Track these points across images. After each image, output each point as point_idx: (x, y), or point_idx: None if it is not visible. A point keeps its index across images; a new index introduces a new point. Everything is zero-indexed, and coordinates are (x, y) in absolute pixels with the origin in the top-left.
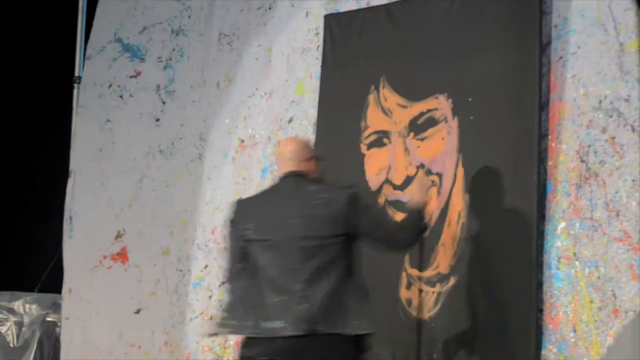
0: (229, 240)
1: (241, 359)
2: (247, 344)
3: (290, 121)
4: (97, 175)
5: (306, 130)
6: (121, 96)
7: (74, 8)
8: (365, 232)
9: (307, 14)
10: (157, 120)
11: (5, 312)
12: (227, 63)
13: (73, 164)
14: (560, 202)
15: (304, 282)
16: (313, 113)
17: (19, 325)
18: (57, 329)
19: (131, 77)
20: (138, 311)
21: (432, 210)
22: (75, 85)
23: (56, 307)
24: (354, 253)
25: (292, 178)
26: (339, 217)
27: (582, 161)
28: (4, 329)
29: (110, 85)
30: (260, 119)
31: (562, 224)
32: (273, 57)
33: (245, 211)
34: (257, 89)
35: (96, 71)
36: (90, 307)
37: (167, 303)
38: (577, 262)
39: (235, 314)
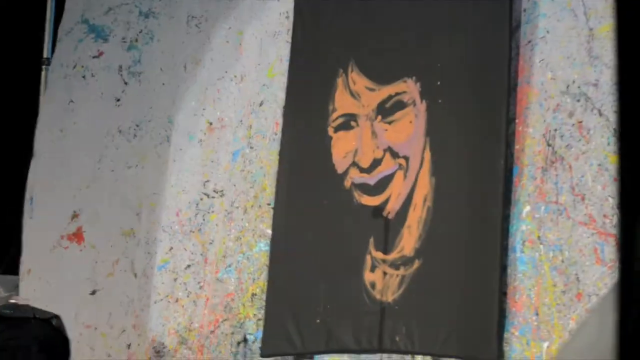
0: None
1: None
2: None
3: (261, 104)
4: (59, 156)
5: (275, 113)
6: (84, 76)
7: None
8: None
9: None
10: (118, 100)
11: None
12: (195, 45)
13: (37, 145)
14: (526, 186)
15: None
16: (282, 96)
17: None
18: None
19: (94, 57)
20: (93, 292)
21: (399, 193)
22: (44, 67)
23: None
24: None
25: None
26: None
27: (549, 145)
28: None
29: (74, 66)
30: (229, 102)
31: (528, 208)
32: (244, 41)
33: None
34: (226, 71)
35: (63, 53)
36: (50, 287)
37: (127, 285)
38: (541, 246)
39: None
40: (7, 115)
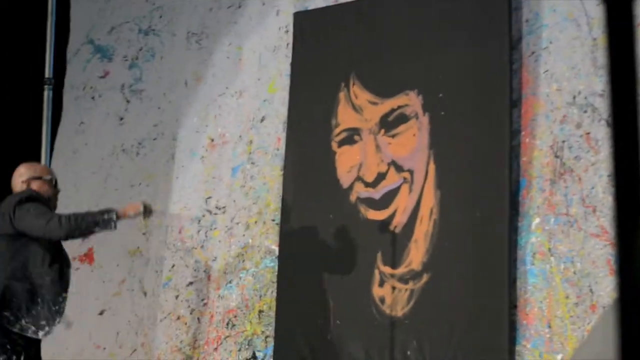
0: None
1: None
2: None
3: (262, 120)
4: (71, 177)
5: (277, 128)
6: (93, 97)
7: (44, 9)
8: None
9: (277, 12)
10: (121, 119)
11: None
12: (196, 61)
13: (52, 167)
14: (534, 198)
15: None
16: (284, 111)
17: None
18: None
19: (100, 77)
20: (101, 312)
21: (404, 207)
22: (46, 86)
23: None
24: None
25: None
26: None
27: (557, 157)
28: None
29: (84, 88)
30: (230, 118)
31: (537, 220)
32: (244, 56)
33: None
34: (227, 87)
35: (73, 74)
36: (68, 309)
37: (136, 304)
38: (552, 258)
39: None
40: (13, 136)
